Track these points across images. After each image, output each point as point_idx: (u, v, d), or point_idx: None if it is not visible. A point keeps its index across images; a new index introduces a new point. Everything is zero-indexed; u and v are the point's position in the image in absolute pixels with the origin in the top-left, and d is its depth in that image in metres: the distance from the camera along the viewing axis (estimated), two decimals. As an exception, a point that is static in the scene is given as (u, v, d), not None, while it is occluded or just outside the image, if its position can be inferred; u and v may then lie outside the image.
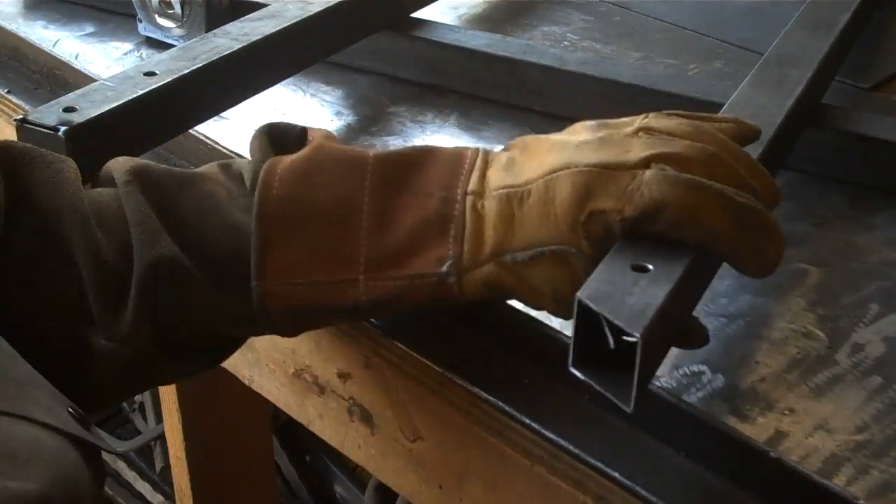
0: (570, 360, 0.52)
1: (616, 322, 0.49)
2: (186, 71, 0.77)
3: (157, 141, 0.79)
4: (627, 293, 0.50)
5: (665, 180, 0.54)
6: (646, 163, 0.55)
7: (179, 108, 0.77)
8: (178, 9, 0.98)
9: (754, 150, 0.64)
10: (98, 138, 0.70)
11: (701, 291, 0.60)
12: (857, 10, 0.89)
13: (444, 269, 0.57)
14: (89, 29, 1.06)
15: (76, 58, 0.98)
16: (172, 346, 0.61)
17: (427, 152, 0.61)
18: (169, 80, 0.75)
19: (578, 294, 0.51)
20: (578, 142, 0.58)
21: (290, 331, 0.64)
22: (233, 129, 0.88)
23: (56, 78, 0.98)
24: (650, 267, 0.52)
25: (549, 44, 1.03)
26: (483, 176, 0.59)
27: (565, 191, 0.55)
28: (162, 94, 0.75)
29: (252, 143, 0.65)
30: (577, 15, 1.10)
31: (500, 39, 0.95)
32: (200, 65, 0.78)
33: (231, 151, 0.83)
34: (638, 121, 0.59)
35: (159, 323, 0.60)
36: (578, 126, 0.61)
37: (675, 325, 0.56)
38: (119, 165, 0.63)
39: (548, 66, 0.90)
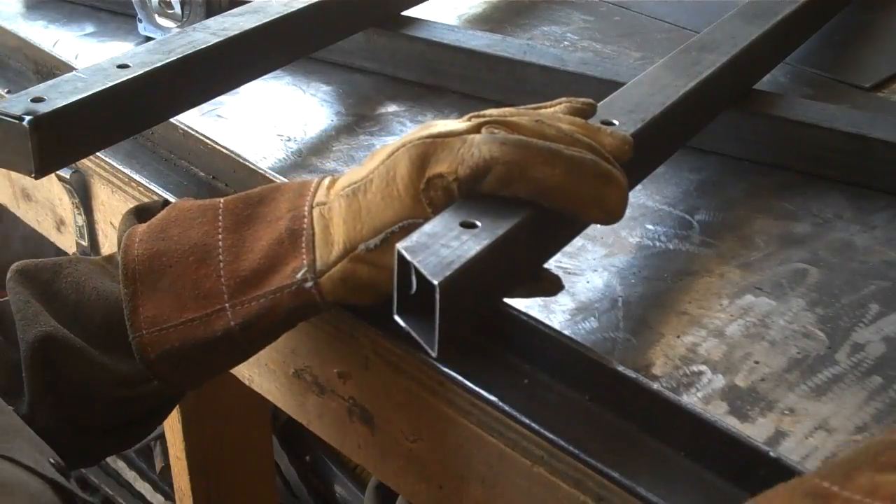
0: (394, 309, 0.55)
1: (421, 270, 0.52)
2: (160, 63, 0.76)
3: (128, 132, 0.78)
4: (445, 246, 0.54)
5: (493, 140, 0.57)
6: (476, 129, 0.59)
7: (151, 100, 0.77)
8: (178, 9, 0.98)
9: (633, 124, 0.67)
10: (64, 128, 0.70)
11: (550, 247, 0.62)
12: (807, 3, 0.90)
13: (300, 276, 0.61)
14: (89, 29, 1.06)
15: (76, 58, 0.98)
16: (83, 423, 0.67)
17: (275, 188, 0.65)
18: (141, 72, 0.75)
19: (398, 244, 0.54)
20: (414, 131, 0.61)
21: (176, 380, 0.66)
22: (232, 129, 0.88)
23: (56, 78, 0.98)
24: (478, 224, 0.55)
25: (549, 44, 1.03)
26: (330, 188, 0.62)
27: (403, 165, 0.58)
28: (133, 85, 0.74)
29: (119, 225, 0.69)
30: (577, 15, 1.10)
31: (500, 39, 0.95)
32: (175, 58, 0.77)
33: (230, 150, 0.83)
34: (465, 117, 0.63)
35: (61, 400, 0.65)
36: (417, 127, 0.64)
37: (505, 278, 0.59)
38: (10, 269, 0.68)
39: (548, 66, 0.90)
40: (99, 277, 0.68)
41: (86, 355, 0.65)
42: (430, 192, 0.58)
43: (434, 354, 0.53)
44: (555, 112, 0.63)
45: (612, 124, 0.67)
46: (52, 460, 0.59)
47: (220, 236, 0.63)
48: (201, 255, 0.63)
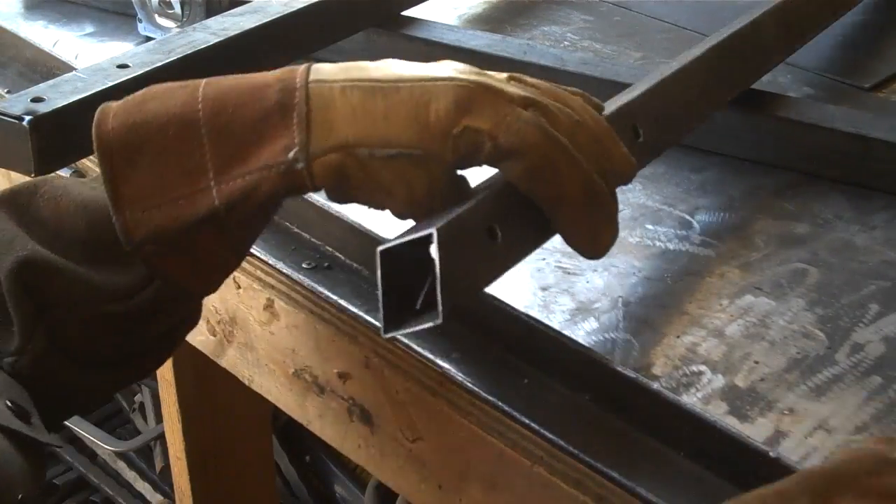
0: (382, 329, 0.54)
1: (418, 235, 0.52)
2: (160, 63, 0.76)
3: None
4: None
5: (540, 127, 0.56)
6: (524, 103, 0.57)
7: None
8: (178, 9, 0.98)
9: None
10: (64, 128, 0.70)
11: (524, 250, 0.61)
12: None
13: (291, 155, 0.56)
14: (89, 29, 1.06)
15: (76, 58, 0.98)
16: (72, 351, 0.61)
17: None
18: (141, 72, 0.75)
19: (378, 247, 0.53)
20: (453, 67, 0.59)
21: (165, 270, 0.60)
22: (233, 129, 0.88)
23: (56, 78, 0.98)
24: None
25: (549, 44, 1.03)
26: (323, 69, 0.59)
27: (446, 99, 0.56)
28: (133, 86, 0.73)
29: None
30: (577, 15, 1.10)
31: (500, 39, 0.95)
32: (175, 58, 0.77)
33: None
34: (506, 74, 0.61)
35: (50, 327, 0.60)
36: (444, 62, 0.61)
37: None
38: None
39: (548, 66, 0.90)
40: (77, 188, 0.63)
41: (69, 273, 0.60)
42: (460, 140, 0.56)
43: (440, 320, 0.52)
44: (584, 107, 0.61)
45: (639, 134, 0.66)
46: (9, 403, 0.55)
47: (199, 105, 0.59)
48: (182, 128, 0.58)
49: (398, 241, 0.54)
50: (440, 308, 0.52)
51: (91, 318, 0.61)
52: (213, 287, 0.63)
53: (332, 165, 0.57)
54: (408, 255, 0.54)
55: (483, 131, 0.56)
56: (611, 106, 0.66)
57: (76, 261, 0.61)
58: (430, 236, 0.52)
